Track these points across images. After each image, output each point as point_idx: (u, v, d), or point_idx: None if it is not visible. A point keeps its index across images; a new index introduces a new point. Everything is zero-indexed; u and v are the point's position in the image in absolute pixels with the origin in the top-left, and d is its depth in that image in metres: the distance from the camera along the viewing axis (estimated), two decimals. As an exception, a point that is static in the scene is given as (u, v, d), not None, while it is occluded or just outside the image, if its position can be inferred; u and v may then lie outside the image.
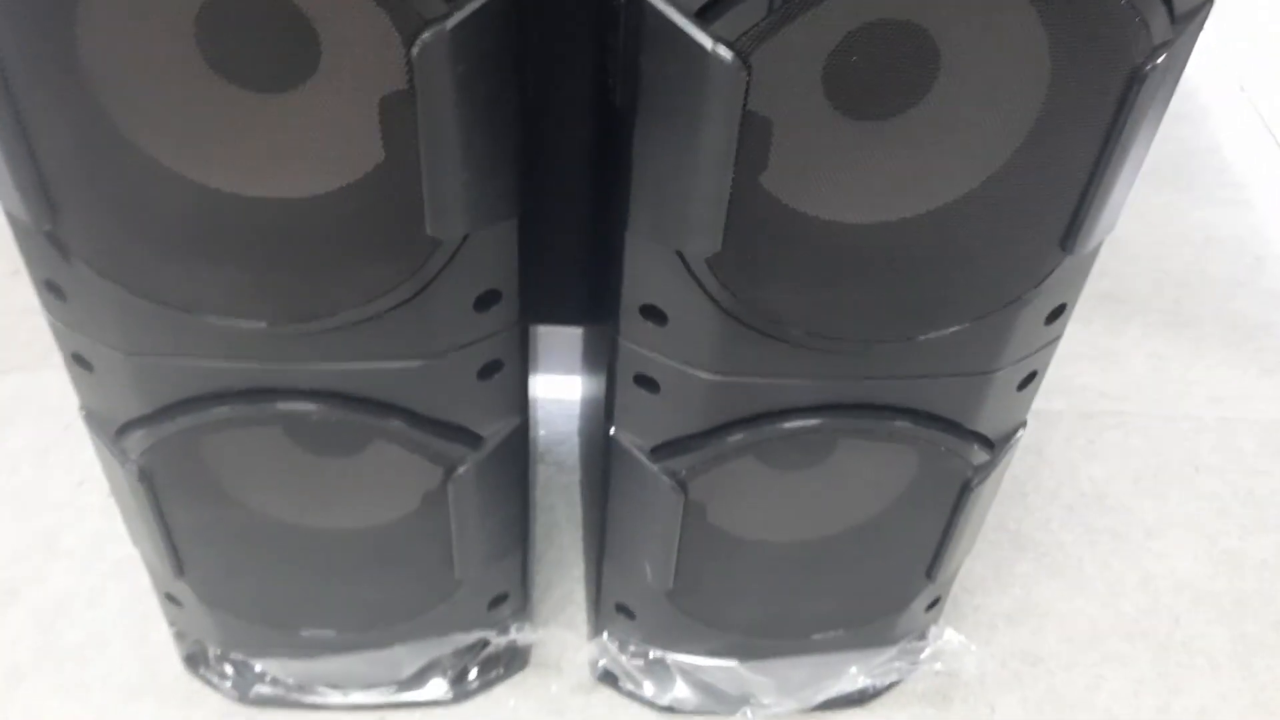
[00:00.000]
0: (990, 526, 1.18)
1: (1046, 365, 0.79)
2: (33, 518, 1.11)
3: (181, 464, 0.78)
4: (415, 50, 0.56)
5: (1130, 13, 0.56)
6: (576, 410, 1.28)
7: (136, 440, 0.76)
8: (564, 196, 1.02)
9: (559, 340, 1.26)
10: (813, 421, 0.75)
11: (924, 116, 0.59)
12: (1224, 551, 1.17)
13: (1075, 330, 1.40)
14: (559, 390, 1.29)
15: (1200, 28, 0.60)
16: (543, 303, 1.20)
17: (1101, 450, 1.27)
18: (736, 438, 0.76)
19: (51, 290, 0.69)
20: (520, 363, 0.78)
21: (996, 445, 0.81)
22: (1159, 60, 0.58)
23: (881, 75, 0.58)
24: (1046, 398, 1.32)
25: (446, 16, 0.56)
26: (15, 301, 1.31)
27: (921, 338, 0.70)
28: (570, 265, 1.15)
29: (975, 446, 0.79)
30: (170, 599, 0.92)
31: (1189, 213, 1.60)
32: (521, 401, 0.81)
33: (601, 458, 0.86)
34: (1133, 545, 1.17)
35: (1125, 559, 1.16)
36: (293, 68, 0.57)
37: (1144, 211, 1.58)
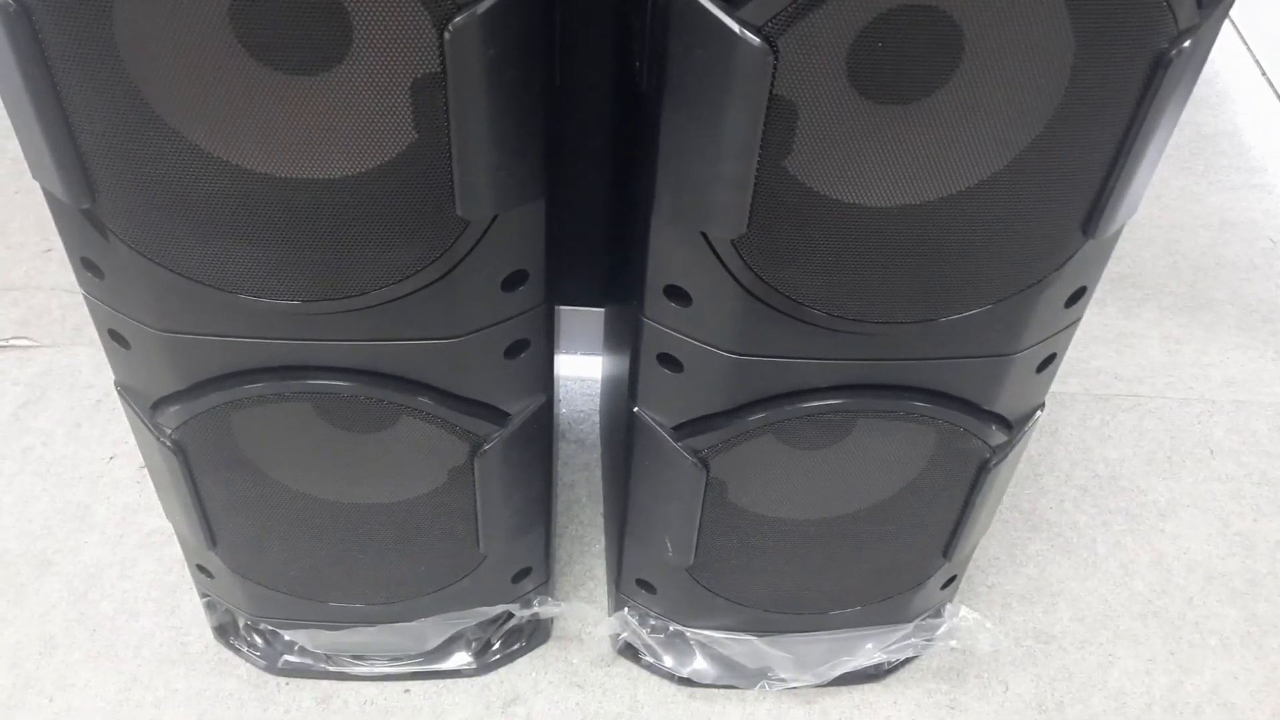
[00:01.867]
0: (1005, 507, 1.19)
1: (1066, 347, 0.80)
2: (66, 490, 1.13)
3: (215, 438, 0.79)
4: (447, 35, 0.57)
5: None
6: (597, 389, 1.29)
7: (171, 415, 0.77)
8: (587, 179, 1.04)
9: (580, 320, 1.27)
10: (833, 401, 0.77)
11: (947, 101, 0.60)
12: (1237, 533, 1.18)
13: (1091, 313, 1.41)
14: (580, 369, 1.31)
15: (1226, 12, 0.61)
16: (566, 284, 1.22)
17: (1115, 432, 1.28)
18: (758, 416, 0.78)
19: (89, 268, 0.71)
20: (546, 342, 0.80)
21: (1015, 426, 0.82)
22: (1184, 45, 0.59)
23: (905, 60, 0.58)
24: (1062, 380, 1.33)
25: (478, 1, 0.57)
26: (46, 279, 1.33)
27: (942, 320, 0.71)
28: (593, 248, 1.16)
29: (994, 427, 0.81)
30: (201, 570, 0.94)
31: (1206, 196, 1.60)
32: (547, 379, 0.83)
33: (624, 435, 0.87)
34: (1146, 526, 1.18)
35: (1138, 539, 1.17)
36: (326, 50, 0.58)
37: (1161, 194, 1.58)
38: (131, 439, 1.12)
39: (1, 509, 1.11)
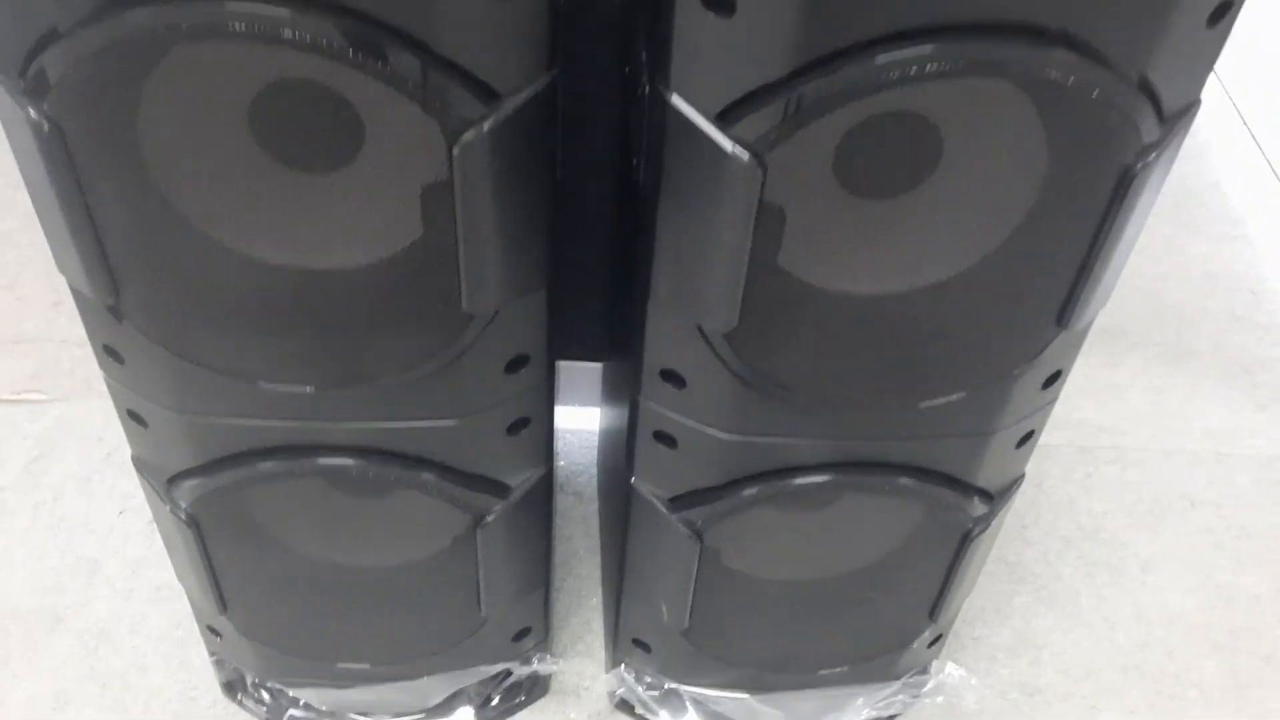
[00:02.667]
0: (990, 559, 1.22)
1: (1044, 424, 0.84)
2: (76, 545, 1.16)
3: (228, 511, 0.82)
4: (456, 150, 0.61)
5: (1120, 117, 0.60)
6: (595, 441, 1.32)
7: (186, 490, 0.81)
8: (587, 244, 1.07)
9: (578, 372, 1.30)
10: (822, 478, 0.80)
11: (926, 197, 0.64)
12: (1217, 585, 1.22)
13: (1076, 364, 1.45)
14: (578, 421, 1.34)
15: (1189, 125, 0.64)
16: (565, 340, 1.25)
17: (1099, 484, 1.31)
18: (751, 491, 0.81)
19: (110, 354, 0.74)
20: (547, 417, 0.83)
21: (996, 498, 0.86)
22: (1149, 159, 0.62)
23: (888, 160, 0.62)
24: (1046, 431, 1.36)
25: (486, 118, 0.61)
26: (57, 331, 1.36)
27: (923, 404, 0.74)
28: (591, 305, 1.20)
29: (975, 500, 0.84)
30: (211, 630, 0.97)
31: (1189, 247, 1.64)
32: (547, 452, 0.86)
33: (621, 501, 0.90)
34: (1128, 578, 1.22)
35: (1120, 592, 1.20)
36: (339, 152, 0.62)
37: (1145, 245, 1.62)
38: (140, 493, 1.15)
39: (14, 564, 1.14)
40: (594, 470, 1.30)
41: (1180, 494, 1.31)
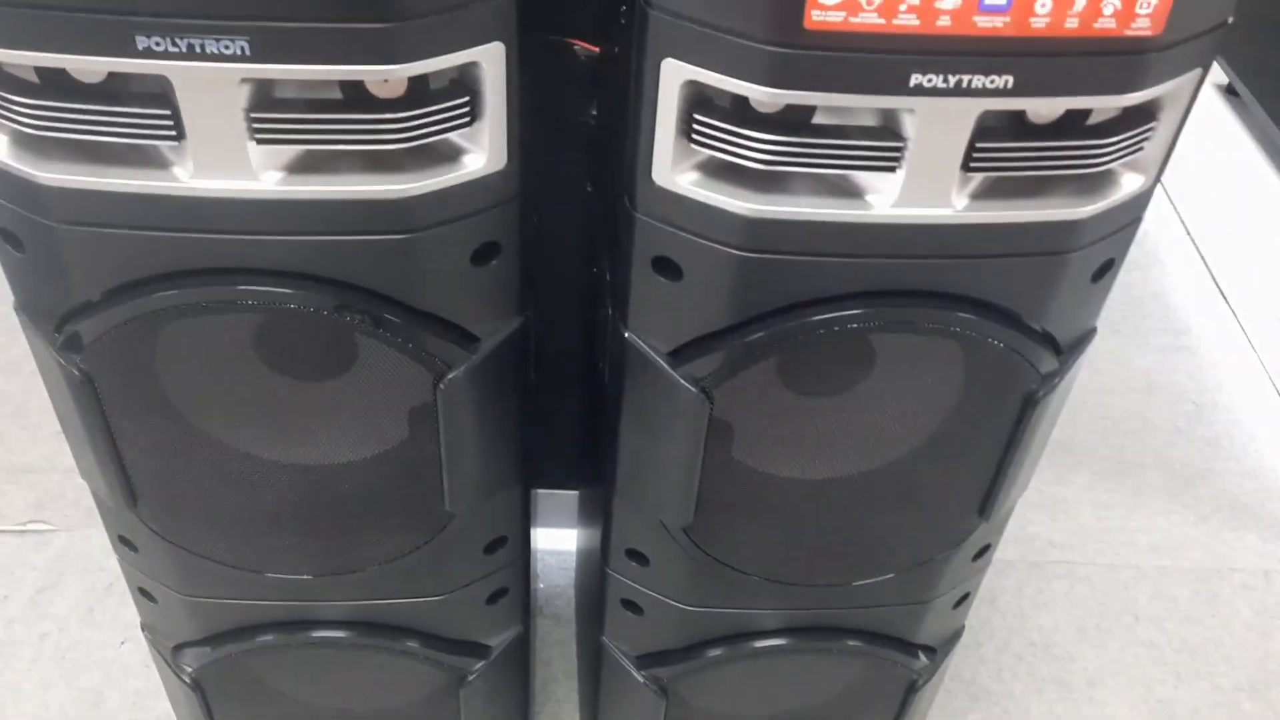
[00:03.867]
0: (947, 676, 1.29)
1: (978, 586, 0.92)
2: (80, 677, 1.22)
3: (230, 675, 0.89)
4: (441, 386, 0.69)
5: (1021, 358, 0.69)
6: (572, 563, 1.39)
7: (191, 657, 0.88)
8: (563, 378, 1.14)
9: (556, 495, 1.37)
10: (777, 642, 0.88)
11: (860, 397, 0.71)
12: (1159, 700, 1.29)
13: (1028, 479, 1.53)
14: (556, 542, 1.41)
15: (1082, 353, 0.73)
16: (543, 471, 1.33)
17: (1049, 599, 1.39)
18: (714, 653, 0.88)
19: (124, 543, 0.81)
20: (523, 586, 0.91)
21: (939, 650, 0.93)
22: (1050, 385, 0.71)
23: (826, 367, 0.70)
24: (1000, 548, 1.44)
25: (466, 359, 0.69)
26: (62, 460, 1.42)
27: (855, 583, 0.82)
28: (568, 439, 1.27)
29: (919, 655, 0.92)
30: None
31: (1134, 359, 1.73)
32: (525, 613, 0.94)
33: (593, 650, 0.98)
34: (1076, 694, 1.29)
35: (1069, 708, 1.28)
36: (333, 367, 0.70)
37: (1092, 358, 1.71)
38: (139, 623, 1.21)
39: (21, 697, 1.20)
40: (571, 592, 1.37)
41: (1125, 608, 1.39)
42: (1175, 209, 2.04)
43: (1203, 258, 1.94)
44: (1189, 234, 1.99)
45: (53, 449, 1.45)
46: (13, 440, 1.48)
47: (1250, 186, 2.17)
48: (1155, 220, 1.99)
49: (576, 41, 0.89)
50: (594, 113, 0.91)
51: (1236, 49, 2.16)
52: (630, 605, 0.88)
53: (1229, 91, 2.29)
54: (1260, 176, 2.18)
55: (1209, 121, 2.30)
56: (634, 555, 0.84)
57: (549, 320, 1.03)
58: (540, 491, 1.36)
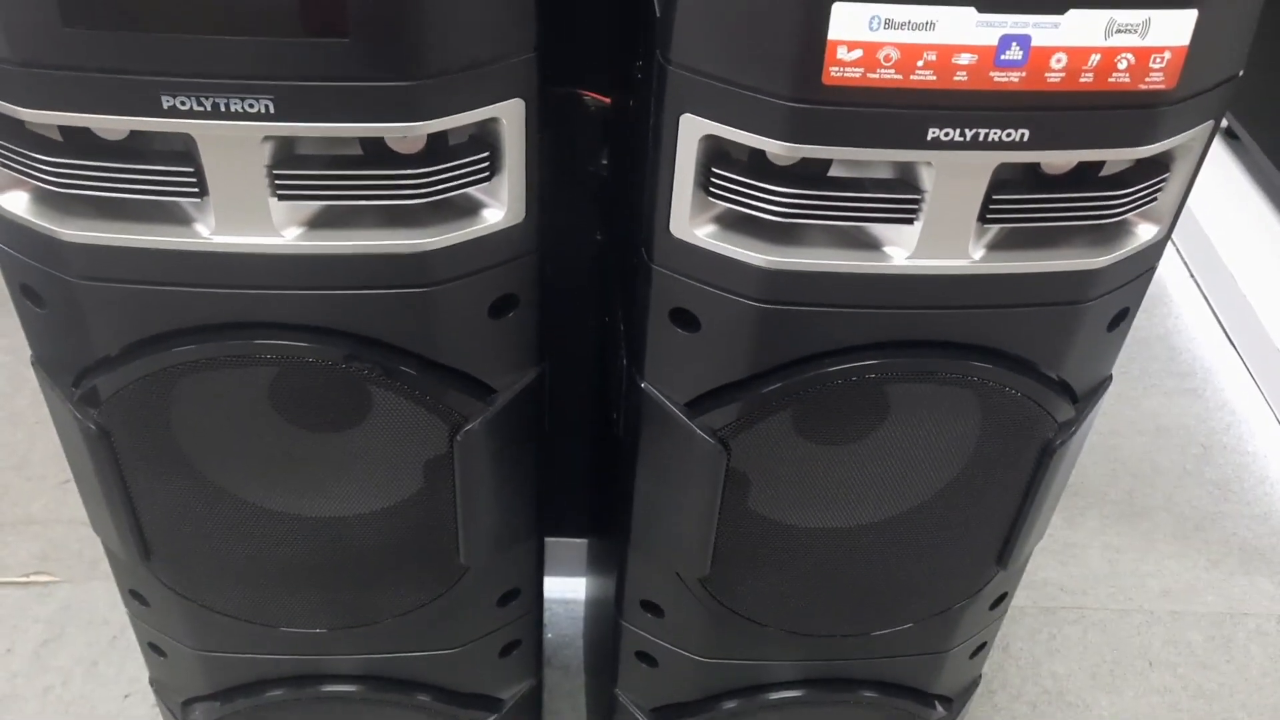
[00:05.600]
0: (961, 725, 1.28)
1: (995, 634, 0.91)
2: (82, 732, 1.21)
3: (239, 730, 0.88)
4: (458, 438, 0.69)
5: (1038, 407, 0.69)
6: (581, 612, 1.38)
7: (201, 712, 0.87)
8: (570, 435, 1.14)
9: (564, 542, 1.36)
10: (793, 694, 0.87)
11: (875, 445, 0.71)
12: (1175, 748, 1.28)
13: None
14: (565, 590, 1.40)
15: (1099, 401, 0.73)
16: (552, 519, 1.32)
17: (1062, 646, 1.38)
18: (730, 705, 0.87)
19: (135, 597, 0.81)
20: (536, 638, 0.90)
21: (955, 700, 0.92)
22: (1067, 434, 0.71)
23: (843, 415, 0.69)
24: (1011, 593, 1.43)
25: (483, 412, 0.69)
26: (65, 511, 1.42)
27: (874, 633, 0.82)
28: (577, 486, 1.27)
29: (936, 705, 0.91)
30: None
31: (1141, 401, 1.73)
32: (537, 665, 0.93)
33: (606, 703, 0.96)
34: (1091, 743, 1.28)
35: (1085, 757, 1.26)
36: (349, 420, 0.69)
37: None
38: (143, 676, 1.20)
39: (24, 753, 1.18)
40: (580, 642, 1.36)
41: (1139, 654, 1.38)
42: (1178, 250, 2.05)
43: (1207, 299, 1.94)
44: (1192, 275, 1.99)
45: (57, 500, 1.45)
46: (17, 491, 1.47)
47: (1251, 228, 2.18)
48: (1160, 261, 1.99)
49: (587, 92, 0.90)
50: (604, 162, 0.91)
51: (1238, 91, 2.17)
52: (644, 657, 0.87)
53: (1229, 134, 2.31)
54: (1261, 218, 2.19)
55: (1210, 164, 2.31)
56: (649, 606, 0.83)
57: (557, 366, 1.03)
58: (548, 539, 1.35)
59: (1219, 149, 2.30)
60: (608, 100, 0.87)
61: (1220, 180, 2.17)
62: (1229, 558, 1.51)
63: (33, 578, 1.36)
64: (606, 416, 0.85)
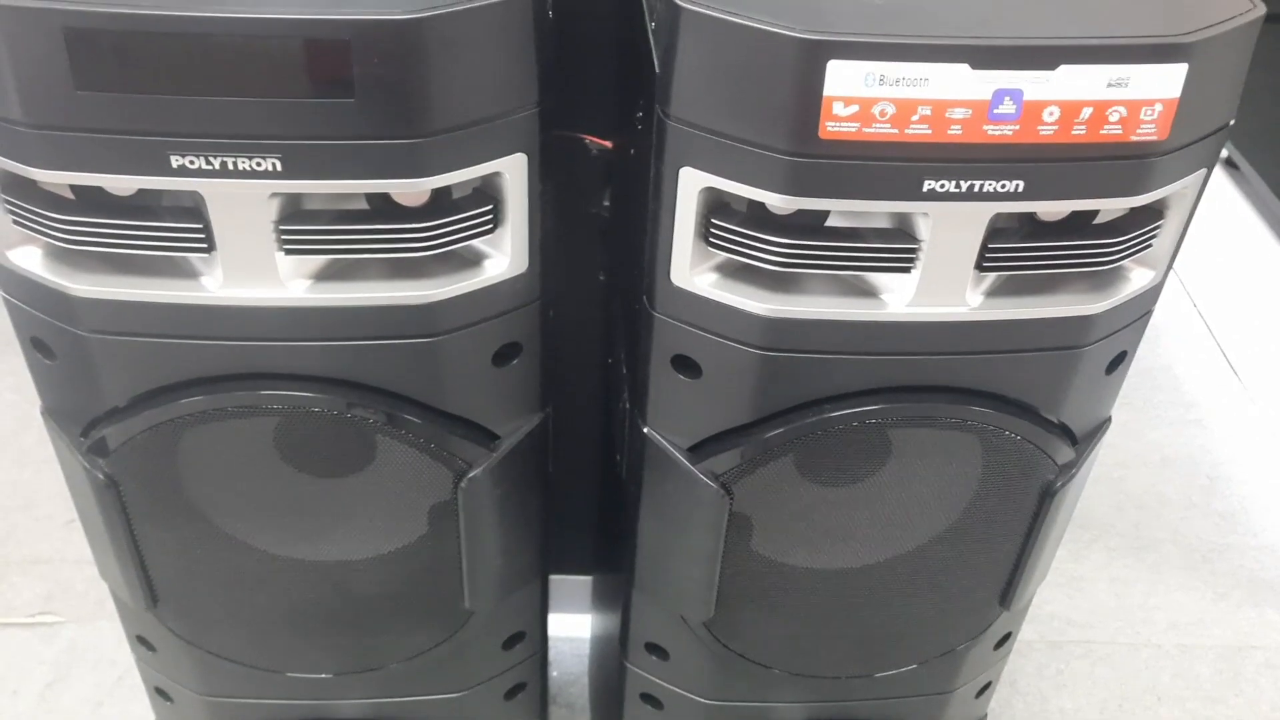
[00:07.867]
0: (969, 762, 1.27)
1: (1000, 674, 0.91)
2: (88, 775, 1.20)
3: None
4: (463, 485, 0.69)
5: (1038, 450, 0.69)
6: (586, 650, 1.38)
7: (206, 758, 0.87)
8: (575, 474, 1.14)
9: (569, 580, 1.36)
10: (798, 736, 0.87)
11: (878, 489, 0.72)
12: (1185, 784, 1.27)
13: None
14: (569, 628, 1.39)
15: (1098, 443, 0.74)
16: (557, 556, 1.32)
17: (1070, 680, 1.37)
18: (732, 746, 0.87)
19: (142, 643, 0.81)
20: (541, 680, 0.90)
21: (960, 740, 0.92)
22: (1067, 476, 0.71)
23: (845, 457, 0.70)
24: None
25: (488, 458, 0.69)
26: (71, 551, 1.42)
27: (878, 675, 0.82)
28: (582, 525, 1.27)
29: (941, 746, 0.91)
30: None
31: (1145, 433, 1.73)
32: (541, 709, 0.93)
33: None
34: (1101, 780, 1.27)
35: (1094, 794, 1.25)
36: (355, 467, 0.70)
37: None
38: (149, 718, 1.20)
39: (29, 796, 1.18)
40: (585, 680, 1.35)
41: (1147, 688, 1.37)
42: (1180, 281, 2.06)
43: (1209, 329, 1.95)
44: (1195, 306, 2.00)
45: (62, 540, 1.45)
46: (23, 532, 1.48)
47: (1252, 257, 2.19)
48: (1163, 294, 2.00)
49: (588, 137, 0.91)
50: (606, 204, 0.92)
51: (1235, 122, 2.19)
52: (650, 699, 0.87)
53: (1229, 164, 2.32)
54: (1262, 246, 2.20)
55: (1210, 194, 2.32)
56: (654, 649, 0.83)
57: (560, 408, 1.03)
58: (553, 577, 1.35)
59: (1219, 178, 2.31)
60: (609, 144, 0.88)
61: (1220, 210, 2.18)
62: (1237, 589, 1.51)
63: (38, 618, 1.37)
64: (608, 455, 0.85)
